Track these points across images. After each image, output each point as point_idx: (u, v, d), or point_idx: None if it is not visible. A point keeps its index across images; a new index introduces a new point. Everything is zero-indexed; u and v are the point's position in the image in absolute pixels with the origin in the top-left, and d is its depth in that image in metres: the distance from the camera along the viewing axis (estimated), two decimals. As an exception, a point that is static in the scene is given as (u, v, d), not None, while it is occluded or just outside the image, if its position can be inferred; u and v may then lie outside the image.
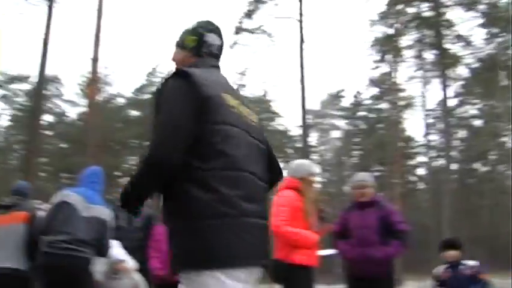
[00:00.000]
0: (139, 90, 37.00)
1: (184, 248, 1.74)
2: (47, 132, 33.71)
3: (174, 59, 2.14)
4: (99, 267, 4.17)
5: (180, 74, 1.86)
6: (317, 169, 4.51)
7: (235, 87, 2.21)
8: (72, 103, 37.90)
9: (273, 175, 2.13)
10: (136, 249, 4.68)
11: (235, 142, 1.83)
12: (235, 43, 23.33)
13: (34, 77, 30.25)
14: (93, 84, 19.56)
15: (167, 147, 1.72)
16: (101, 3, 18.94)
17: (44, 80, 21.07)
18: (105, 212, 4.18)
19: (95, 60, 18.56)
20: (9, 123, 38.81)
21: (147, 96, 35.26)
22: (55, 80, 34.52)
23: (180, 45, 2.11)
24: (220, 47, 2.14)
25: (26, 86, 36.40)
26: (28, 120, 23.86)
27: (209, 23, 2.12)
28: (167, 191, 1.81)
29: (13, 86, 37.51)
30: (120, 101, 37.11)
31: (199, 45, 2.07)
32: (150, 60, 66.78)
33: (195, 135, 1.76)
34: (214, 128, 1.80)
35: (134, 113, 36.73)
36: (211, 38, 2.09)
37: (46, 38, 19.00)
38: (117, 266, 4.28)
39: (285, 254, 3.87)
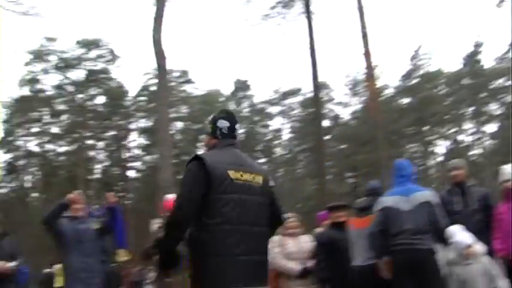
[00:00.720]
0: (406, 76, 36.03)
1: (197, 272, 2.66)
2: (327, 137, 36.11)
3: (204, 143, 3.14)
4: (446, 254, 3.97)
5: (195, 159, 2.77)
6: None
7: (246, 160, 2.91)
8: (344, 104, 39.80)
9: (275, 220, 2.96)
10: (478, 232, 4.25)
11: (232, 205, 2.67)
12: None
13: (306, 88, 33.10)
14: (371, 78, 19.72)
15: (183, 211, 2.65)
16: (360, 3, 19.14)
17: (318, 88, 22.66)
18: (425, 195, 4.18)
19: (367, 54, 18.76)
20: (290, 135, 43.47)
21: (415, 80, 34.03)
22: (325, 86, 36.84)
23: (207, 132, 3.10)
24: (230, 128, 2.94)
25: (299, 98, 40.24)
26: (311, 128, 26.05)
27: (221, 111, 3.04)
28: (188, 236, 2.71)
29: (288, 101, 42.00)
30: (389, 91, 36.83)
31: (214, 130, 2.96)
32: (410, 44, 64.42)
33: (205, 201, 2.65)
34: (217, 197, 2.66)
35: (406, 100, 35.95)
36: (220, 123, 2.94)
37: (312, 48, 20.43)
38: (466, 251, 3.92)
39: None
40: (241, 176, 2.73)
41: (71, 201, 5.10)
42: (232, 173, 2.70)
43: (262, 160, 42.59)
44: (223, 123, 2.92)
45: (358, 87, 37.39)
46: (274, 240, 4.62)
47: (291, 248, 4.99)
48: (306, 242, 5.14)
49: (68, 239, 5.00)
